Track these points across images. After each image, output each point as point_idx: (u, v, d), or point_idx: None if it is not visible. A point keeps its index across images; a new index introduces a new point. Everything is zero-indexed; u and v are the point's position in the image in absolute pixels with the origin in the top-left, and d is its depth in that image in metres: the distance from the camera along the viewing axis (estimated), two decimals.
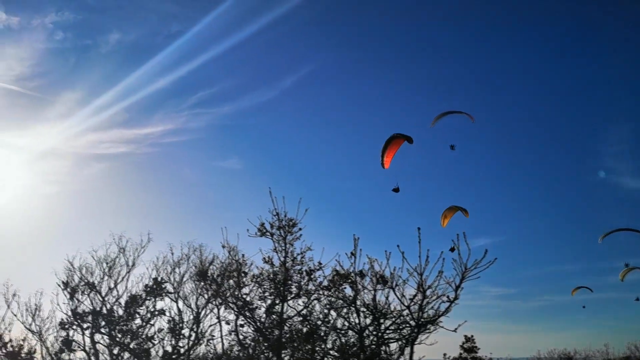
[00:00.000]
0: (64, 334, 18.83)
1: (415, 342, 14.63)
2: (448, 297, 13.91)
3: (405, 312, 14.88)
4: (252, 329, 17.70)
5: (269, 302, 17.69)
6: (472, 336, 26.99)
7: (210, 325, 19.49)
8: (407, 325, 15.18)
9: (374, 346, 15.75)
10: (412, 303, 14.43)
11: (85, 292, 19.04)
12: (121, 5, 52.87)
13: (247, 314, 17.44)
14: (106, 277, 19.35)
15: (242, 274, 17.87)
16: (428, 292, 14.04)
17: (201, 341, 19.25)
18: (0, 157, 46.58)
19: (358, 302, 15.26)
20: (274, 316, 17.56)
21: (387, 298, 15.14)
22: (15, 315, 19.15)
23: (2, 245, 46.15)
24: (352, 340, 16.64)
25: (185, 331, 19.21)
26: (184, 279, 19.99)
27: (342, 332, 16.72)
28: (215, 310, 19.37)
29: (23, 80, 48.63)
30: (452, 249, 22.08)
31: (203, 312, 19.56)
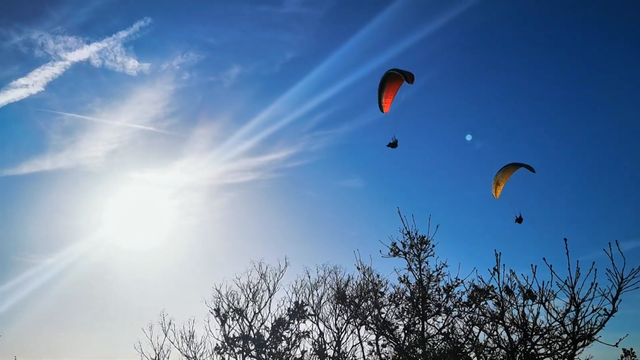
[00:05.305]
0: (219, 358, 20.42)
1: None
2: (605, 310, 12.91)
3: (555, 325, 14.06)
4: (393, 348, 17.83)
5: (406, 320, 17.72)
6: (631, 349, 24.29)
7: (353, 346, 19.93)
8: (559, 340, 14.32)
9: None
10: (564, 317, 13.59)
11: (235, 318, 20.58)
12: (238, 40, 57.85)
13: (388, 334, 17.62)
14: (250, 303, 20.80)
15: (379, 294, 18.19)
16: (582, 306, 13.14)
17: None
18: (148, 195, 53.36)
19: (505, 319, 14.73)
20: (414, 335, 17.51)
21: (532, 313, 14.42)
22: (172, 343, 20.72)
23: (157, 277, 51.35)
24: (498, 357, 16.04)
25: (329, 351, 19.88)
26: (322, 301, 20.78)
27: (488, 349, 16.18)
28: (356, 331, 19.79)
29: (157, 121, 55.48)
30: (518, 220, 20.29)
31: (343, 333, 20.09)
